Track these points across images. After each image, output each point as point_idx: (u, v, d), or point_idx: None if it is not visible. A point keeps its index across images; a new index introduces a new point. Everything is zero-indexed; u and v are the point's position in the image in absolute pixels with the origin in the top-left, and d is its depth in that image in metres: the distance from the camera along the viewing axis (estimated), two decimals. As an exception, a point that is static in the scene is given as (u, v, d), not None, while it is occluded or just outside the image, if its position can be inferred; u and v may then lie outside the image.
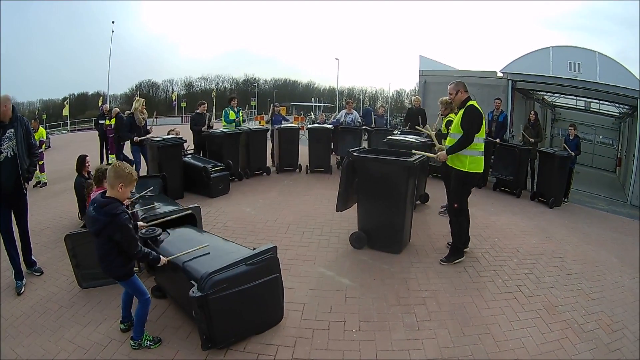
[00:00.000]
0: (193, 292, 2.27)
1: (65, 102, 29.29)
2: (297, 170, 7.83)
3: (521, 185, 6.88)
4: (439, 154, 3.82)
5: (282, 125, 7.88)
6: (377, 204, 3.86)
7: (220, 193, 5.96)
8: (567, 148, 6.90)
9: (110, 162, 7.98)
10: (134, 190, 3.13)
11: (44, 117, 30.67)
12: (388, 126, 10.36)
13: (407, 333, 2.69)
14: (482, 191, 6.86)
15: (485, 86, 9.77)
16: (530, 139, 7.28)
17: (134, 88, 55.71)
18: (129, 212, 2.49)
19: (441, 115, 5.50)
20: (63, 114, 27.75)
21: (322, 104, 45.08)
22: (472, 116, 3.58)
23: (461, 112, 3.69)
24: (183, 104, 41.88)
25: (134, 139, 6.56)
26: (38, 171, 6.79)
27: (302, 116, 25.22)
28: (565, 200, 6.86)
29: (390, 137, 6.25)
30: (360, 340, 2.60)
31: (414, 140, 5.81)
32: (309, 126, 9.66)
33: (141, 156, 6.79)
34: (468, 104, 3.66)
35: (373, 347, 2.54)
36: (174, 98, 45.37)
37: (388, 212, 3.81)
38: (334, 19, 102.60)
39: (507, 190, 6.96)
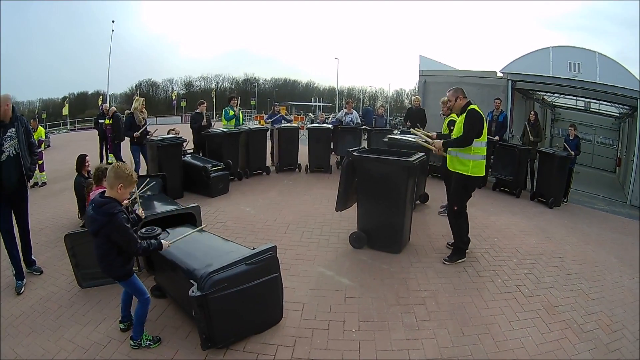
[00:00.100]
0: (193, 291, 2.27)
1: (65, 102, 29.32)
2: (297, 170, 7.83)
3: (521, 185, 6.89)
4: (435, 141, 3.89)
5: (282, 125, 7.88)
6: (376, 203, 3.86)
7: (220, 192, 5.96)
8: (567, 147, 6.90)
9: (110, 161, 7.98)
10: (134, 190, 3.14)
11: (44, 116, 30.61)
12: (388, 126, 10.37)
13: (407, 333, 2.69)
14: (481, 191, 6.85)
15: (485, 86, 9.76)
16: (531, 137, 7.29)
17: (134, 87, 55.60)
18: (128, 212, 2.49)
19: (443, 115, 5.50)
20: (63, 113, 27.77)
21: (321, 104, 45.03)
22: (473, 119, 3.61)
23: (462, 116, 3.72)
24: (183, 104, 41.83)
25: (134, 134, 6.56)
26: (38, 171, 6.78)
27: (301, 116, 25.20)
28: (565, 200, 6.86)
29: (390, 136, 6.25)
30: (360, 340, 2.61)
31: (413, 140, 5.80)
32: (309, 126, 9.66)
33: (141, 156, 6.79)
34: (469, 108, 3.68)
35: (372, 346, 2.54)
36: (173, 97, 45.38)
37: (388, 212, 3.81)
38: (334, 18, 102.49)
39: (506, 190, 6.96)
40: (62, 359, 2.43)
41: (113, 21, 24.63)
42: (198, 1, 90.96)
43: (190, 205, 3.61)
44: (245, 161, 7.24)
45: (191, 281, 2.36)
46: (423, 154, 4.19)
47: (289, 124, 8.22)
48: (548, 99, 14.80)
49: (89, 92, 50.32)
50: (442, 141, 3.84)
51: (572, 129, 7.23)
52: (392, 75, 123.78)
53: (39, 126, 9.05)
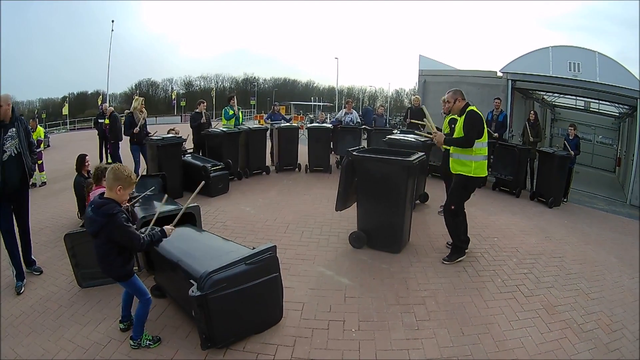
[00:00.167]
0: (192, 291, 2.27)
1: (64, 101, 29.33)
2: (297, 169, 7.83)
3: (520, 185, 6.89)
4: (437, 133, 3.87)
5: (282, 125, 7.88)
6: (376, 203, 3.86)
7: (219, 192, 5.96)
8: (567, 147, 6.90)
9: (109, 161, 7.97)
10: (133, 191, 3.13)
11: (44, 116, 30.65)
12: (387, 125, 10.35)
13: (407, 333, 2.69)
14: (481, 191, 6.84)
15: (485, 86, 9.76)
16: (531, 136, 7.29)
17: (134, 87, 55.55)
18: (127, 212, 2.48)
19: (444, 113, 5.50)
20: (62, 113, 27.80)
21: (321, 103, 44.97)
22: (473, 121, 3.61)
23: (462, 118, 3.72)
24: (182, 103, 41.87)
25: (134, 130, 6.53)
26: (37, 171, 6.78)
27: (301, 115, 25.19)
28: (565, 200, 6.87)
29: (389, 136, 6.24)
30: (360, 339, 2.60)
31: (413, 139, 5.80)
32: (309, 125, 9.66)
33: (141, 155, 6.78)
34: (468, 109, 3.68)
35: (372, 346, 2.54)
36: (173, 97, 45.35)
37: (387, 212, 3.81)
38: (334, 18, 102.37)
39: (506, 190, 6.96)
40: (62, 359, 2.43)
41: (113, 21, 24.59)
42: (198, 1, 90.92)
43: (190, 205, 3.60)
44: (245, 161, 7.24)
45: (191, 281, 2.36)
46: (423, 153, 4.20)
47: (288, 124, 8.22)
48: (548, 99, 14.81)
49: (89, 92, 50.27)
50: (444, 136, 3.85)
51: (572, 128, 7.24)
52: (391, 75, 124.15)
53: (38, 126, 9.06)
